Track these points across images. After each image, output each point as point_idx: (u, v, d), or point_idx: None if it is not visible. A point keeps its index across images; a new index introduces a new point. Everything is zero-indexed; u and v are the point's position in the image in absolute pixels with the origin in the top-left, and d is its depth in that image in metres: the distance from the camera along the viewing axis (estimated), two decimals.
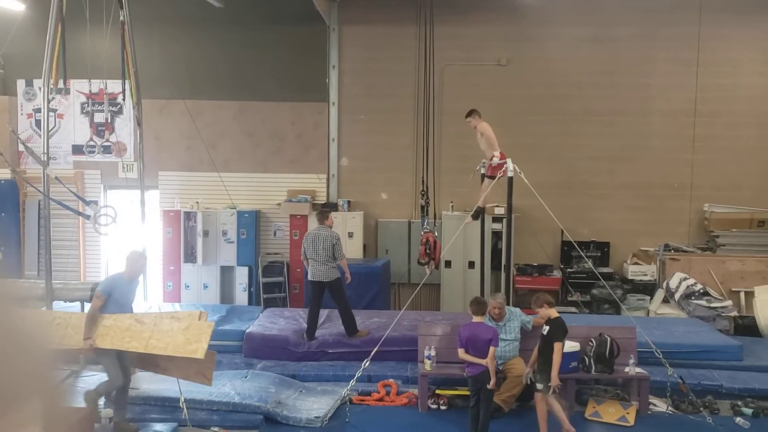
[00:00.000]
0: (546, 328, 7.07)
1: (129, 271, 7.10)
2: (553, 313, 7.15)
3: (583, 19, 12.59)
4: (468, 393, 7.27)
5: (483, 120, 9.86)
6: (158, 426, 7.06)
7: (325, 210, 10.15)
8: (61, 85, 9.09)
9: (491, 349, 6.93)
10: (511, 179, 8.69)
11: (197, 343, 6.77)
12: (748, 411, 7.86)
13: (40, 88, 11.53)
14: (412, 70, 12.09)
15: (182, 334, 6.82)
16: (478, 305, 7.27)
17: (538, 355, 7.18)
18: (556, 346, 6.88)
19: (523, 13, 12.59)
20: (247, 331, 9.86)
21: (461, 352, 7.08)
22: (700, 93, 12.44)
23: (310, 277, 9.67)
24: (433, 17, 10.50)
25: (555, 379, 6.83)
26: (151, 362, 7.25)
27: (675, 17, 12.45)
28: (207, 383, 7.09)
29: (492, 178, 9.21)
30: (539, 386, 6.93)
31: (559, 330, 7.00)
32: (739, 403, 8.07)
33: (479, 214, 10.05)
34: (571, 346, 7.65)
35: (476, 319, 7.22)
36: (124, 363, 7.04)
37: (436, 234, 10.30)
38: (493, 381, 6.97)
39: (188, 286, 12.71)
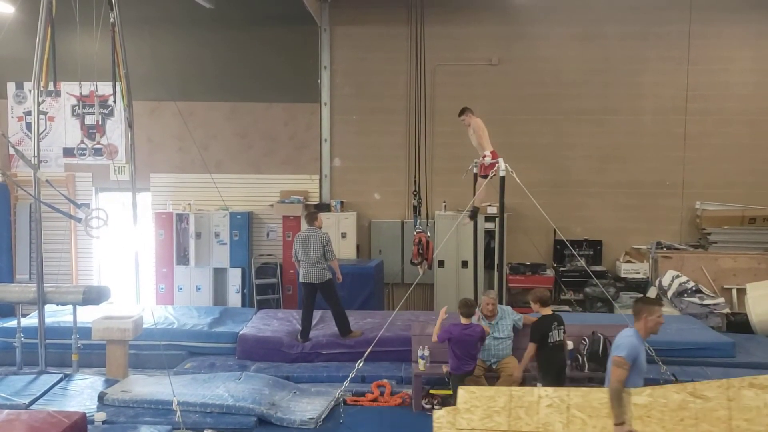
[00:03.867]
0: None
1: (645, 327, 5.59)
2: (543, 310, 7.25)
3: (573, 18, 12.61)
4: None
5: (476, 117, 9.87)
6: (151, 429, 7.01)
7: (313, 211, 10.16)
8: (51, 87, 9.05)
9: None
10: (503, 179, 8.71)
11: None
12: None
13: (30, 91, 11.51)
14: (404, 71, 12.09)
15: None
16: (468, 307, 7.31)
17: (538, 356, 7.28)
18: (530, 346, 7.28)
19: (514, 12, 12.61)
20: (241, 332, 9.86)
21: (435, 337, 7.37)
22: (691, 91, 12.49)
23: (301, 279, 9.70)
24: (423, 17, 10.51)
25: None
26: None
27: (665, 15, 12.50)
28: None
29: (485, 177, 9.24)
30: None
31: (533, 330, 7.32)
32: None
33: (475, 214, 10.08)
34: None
35: (465, 321, 7.28)
36: None
37: (428, 234, 10.31)
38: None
39: (181, 289, 12.68)
